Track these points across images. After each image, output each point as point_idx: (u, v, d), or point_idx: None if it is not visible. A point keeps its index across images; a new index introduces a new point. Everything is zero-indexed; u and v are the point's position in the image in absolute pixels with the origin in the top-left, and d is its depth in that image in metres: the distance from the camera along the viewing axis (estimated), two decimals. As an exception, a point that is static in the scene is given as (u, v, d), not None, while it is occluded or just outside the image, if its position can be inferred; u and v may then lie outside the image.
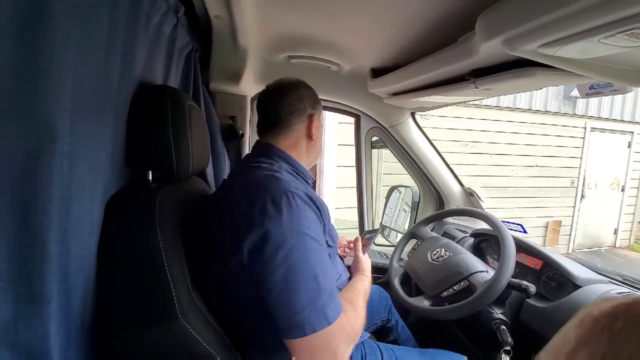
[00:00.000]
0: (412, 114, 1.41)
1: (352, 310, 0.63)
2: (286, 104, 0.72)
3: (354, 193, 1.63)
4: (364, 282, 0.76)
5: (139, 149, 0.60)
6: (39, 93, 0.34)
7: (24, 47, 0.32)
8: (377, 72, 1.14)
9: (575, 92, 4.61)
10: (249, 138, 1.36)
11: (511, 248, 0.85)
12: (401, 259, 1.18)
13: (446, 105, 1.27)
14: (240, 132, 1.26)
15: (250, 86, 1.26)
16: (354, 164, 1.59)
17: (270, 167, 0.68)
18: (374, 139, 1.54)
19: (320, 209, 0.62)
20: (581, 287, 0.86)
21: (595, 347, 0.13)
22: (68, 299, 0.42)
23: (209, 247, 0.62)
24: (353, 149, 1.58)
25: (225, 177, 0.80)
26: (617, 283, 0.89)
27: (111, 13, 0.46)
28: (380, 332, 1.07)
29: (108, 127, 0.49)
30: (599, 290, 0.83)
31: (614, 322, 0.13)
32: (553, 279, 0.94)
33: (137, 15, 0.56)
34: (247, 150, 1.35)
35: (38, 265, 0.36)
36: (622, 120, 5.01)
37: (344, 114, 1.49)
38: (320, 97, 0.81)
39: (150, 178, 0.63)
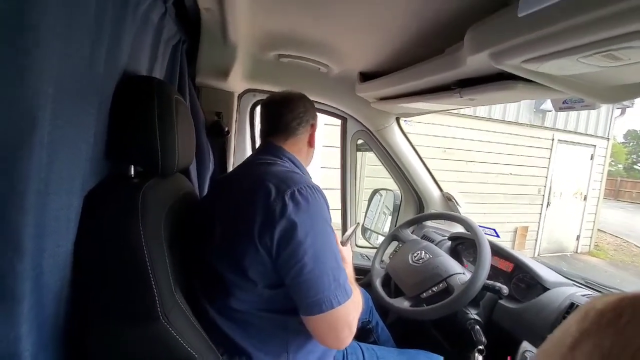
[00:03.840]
0: (397, 119, 1.44)
1: (355, 287, 0.71)
2: (295, 115, 0.81)
3: (336, 194, 1.64)
4: (349, 269, 0.81)
5: (123, 142, 0.57)
6: (21, 80, 0.31)
7: (7, 32, 0.30)
8: (366, 77, 1.15)
9: (544, 106, 4.91)
10: (235, 135, 1.33)
11: (487, 252, 0.89)
12: (382, 261, 1.20)
13: (430, 112, 1.31)
14: (226, 129, 1.23)
15: (238, 83, 1.23)
16: (338, 166, 1.60)
17: (288, 165, 0.77)
18: (360, 141, 1.56)
19: (327, 203, 0.71)
20: (549, 289, 0.91)
21: (601, 339, 0.13)
22: (41, 298, 0.39)
23: (221, 242, 0.65)
24: (337, 151, 1.59)
25: (213, 174, 0.80)
26: (580, 286, 0.95)
27: None
28: (360, 333, 1.08)
29: (91, 118, 0.47)
30: (565, 292, 0.87)
31: (619, 316, 0.13)
32: (523, 281, 0.99)
33: (125, 2, 0.53)
34: (232, 147, 1.32)
35: (11, 263, 0.34)
36: (586, 134, 5.39)
37: (331, 115, 1.50)
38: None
39: (132, 173, 0.61)
